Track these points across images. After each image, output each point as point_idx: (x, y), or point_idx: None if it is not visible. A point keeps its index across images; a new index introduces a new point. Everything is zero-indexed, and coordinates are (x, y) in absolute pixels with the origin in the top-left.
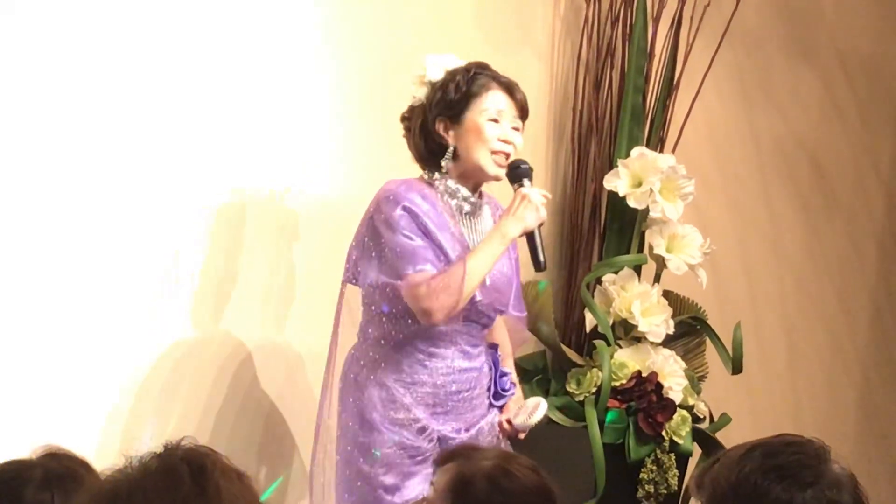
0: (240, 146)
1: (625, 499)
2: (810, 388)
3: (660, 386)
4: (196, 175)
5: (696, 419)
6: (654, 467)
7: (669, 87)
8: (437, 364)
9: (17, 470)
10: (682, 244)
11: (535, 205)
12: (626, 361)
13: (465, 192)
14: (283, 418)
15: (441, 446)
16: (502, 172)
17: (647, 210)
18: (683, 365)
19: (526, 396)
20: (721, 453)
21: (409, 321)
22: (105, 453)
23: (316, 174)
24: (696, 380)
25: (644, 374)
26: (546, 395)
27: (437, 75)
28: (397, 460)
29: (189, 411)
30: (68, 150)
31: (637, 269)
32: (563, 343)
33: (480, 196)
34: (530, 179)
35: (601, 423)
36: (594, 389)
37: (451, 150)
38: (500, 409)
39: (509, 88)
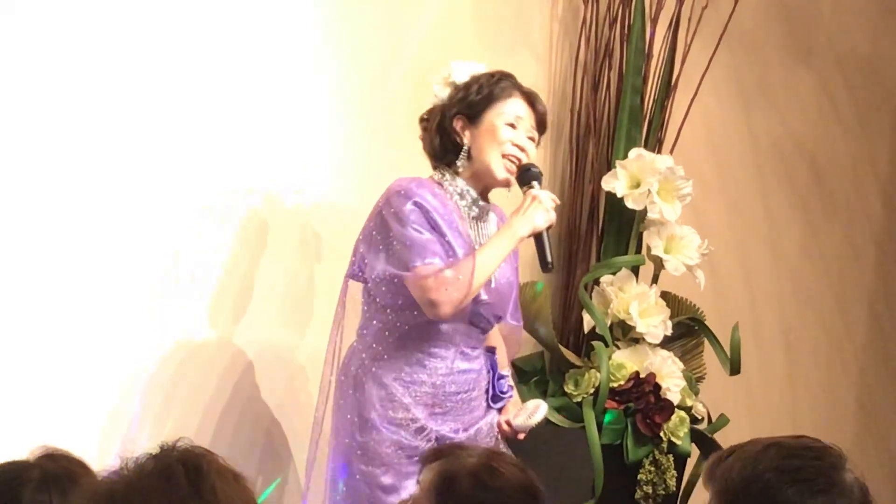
0: (240, 146)
1: (623, 500)
2: (808, 389)
3: (658, 387)
4: (196, 175)
5: (694, 420)
6: (653, 468)
7: (667, 88)
8: (437, 364)
9: (15, 471)
10: (679, 245)
11: (545, 206)
12: (624, 362)
13: (474, 194)
14: (284, 419)
15: None
16: (511, 178)
17: (645, 211)
18: (681, 366)
19: (524, 397)
20: (737, 445)
21: (415, 313)
22: (105, 454)
23: (316, 174)
24: (694, 381)
25: (642, 375)
26: (544, 396)
27: (463, 78)
28: (395, 460)
29: (189, 412)
30: (68, 151)
31: (635, 270)
32: (561, 344)
33: (488, 202)
34: (540, 182)
35: (599, 424)
36: (592, 390)
37: (465, 149)
38: (499, 411)
39: (531, 99)
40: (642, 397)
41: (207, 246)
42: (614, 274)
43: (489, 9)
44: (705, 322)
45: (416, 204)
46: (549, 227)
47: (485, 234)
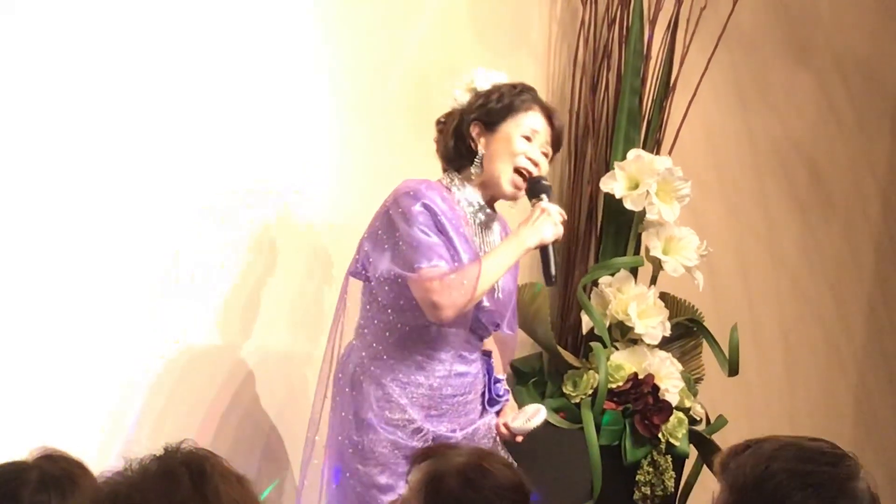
0: (240, 146)
1: (621, 500)
2: (806, 390)
3: (656, 388)
4: (196, 175)
5: (692, 421)
6: (651, 469)
7: (666, 89)
8: (435, 366)
9: (14, 472)
10: (678, 246)
11: (554, 220)
12: (623, 363)
13: (481, 201)
14: (285, 420)
15: None
16: (517, 194)
17: (643, 212)
18: (680, 367)
19: (522, 398)
20: (754, 440)
21: (416, 315)
22: (104, 454)
23: (316, 174)
24: (692, 382)
25: (640, 376)
26: (542, 397)
27: (484, 85)
28: (392, 460)
29: (189, 412)
30: (68, 151)
31: (633, 272)
32: (560, 345)
33: (494, 211)
34: (549, 196)
35: (598, 426)
36: (591, 391)
37: (480, 156)
38: (497, 413)
39: (549, 114)
40: (641, 398)
41: (207, 246)
42: (613, 275)
43: (488, 9)
44: (704, 323)
45: (424, 206)
46: (555, 241)
47: (488, 242)
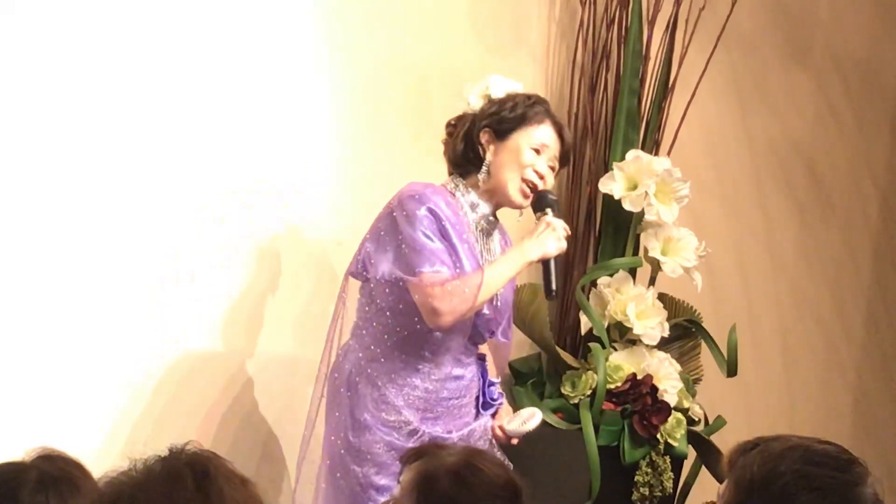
0: (239, 147)
1: (620, 501)
2: (805, 391)
3: (655, 388)
4: (195, 176)
5: (691, 422)
6: (649, 470)
7: (665, 89)
8: (431, 369)
9: (12, 472)
10: (677, 247)
11: (558, 234)
12: (621, 364)
13: (485, 209)
14: (284, 420)
15: None
16: (525, 203)
17: (642, 213)
18: (678, 367)
19: (520, 398)
20: (764, 438)
21: (415, 319)
22: (103, 454)
23: (316, 174)
24: (691, 382)
25: (639, 377)
26: (541, 397)
27: (499, 94)
28: (388, 461)
29: (188, 412)
30: (68, 151)
31: (632, 272)
32: (559, 346)
33: (497, 219)
34: (555, 210)
35: (596, 426)
36: (589, 392)
37: (487, 163)
38: (493, 415)
39: (560, 129)
40: (639, 399)
41: (208, 246)
42: (611, 276)
43: (487, 10)
44: (702, 324)
45: (429, 210)
46: (557, 256)
47: (489, 249)
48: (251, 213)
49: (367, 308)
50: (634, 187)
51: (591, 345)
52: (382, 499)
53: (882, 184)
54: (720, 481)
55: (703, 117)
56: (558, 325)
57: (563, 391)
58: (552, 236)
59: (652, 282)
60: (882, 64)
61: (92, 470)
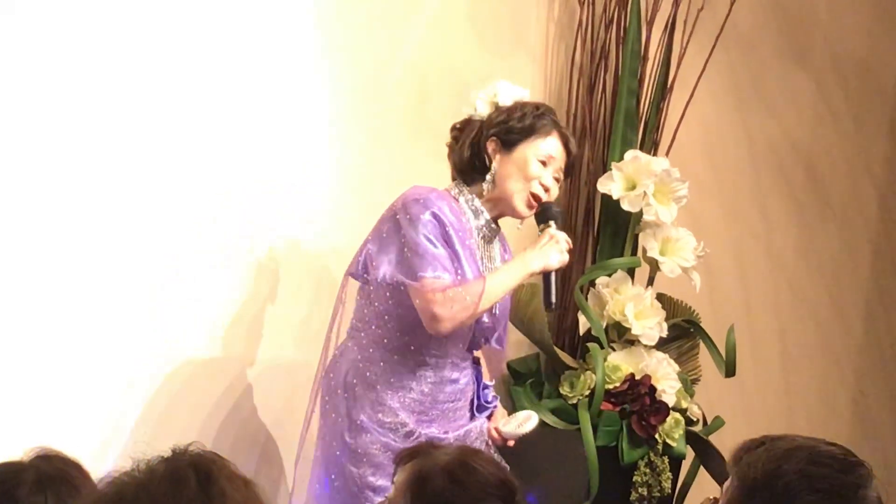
0: (239, 146)
1: (618, 501)
2: (803, 391)
3: (653, 389)
4: (195, 176)
5: (689, 422)
6: (648, 470)
7: (663, 90)
8: (427, 373)
9: (10, 472)
10: (675, 247)
11: (561, 247)
12: (620, 364)
13: (488, 216)
14: (284, 420)
15: None
16: (528, 214)
17: (640, 213)
18: (677, 368)
19: (519, 398)
20: (770, 436)
21: (415, 323)
22: (103, 455)
23: (316, 174)
24: (689, 383)
25: (637, 377)
26: (539, 397)
27: (506, 101)
28: (385, 462)
29: (188, 412)
30: (68, 151)
31: (630, 272)
32: (557, 346)
33: (499, 227)
34: (558, 222)
35: (594, 426)
36: (588, 392)
37: (493, 173)
38: (489, 418)
39: (567, 141)
40: (638, 399)
41: (208, 246)
42: (610, 276)
43: (485, 10)
44: (701, 324)
45: (433, 215)
46: (559, 269)
47: (490, 257)
48: (251, 213)
49: (366, 310)
50: (633, 187)
51: (590, 345)
52: (379, 499)
53: (881, 184)
54: (718, 481)
55: (701, 117)
56: (557, 325)
57: (561, 391)
58: (555, 249)
59: (650, 282)
60: (881, 64)
61: (91, 470)
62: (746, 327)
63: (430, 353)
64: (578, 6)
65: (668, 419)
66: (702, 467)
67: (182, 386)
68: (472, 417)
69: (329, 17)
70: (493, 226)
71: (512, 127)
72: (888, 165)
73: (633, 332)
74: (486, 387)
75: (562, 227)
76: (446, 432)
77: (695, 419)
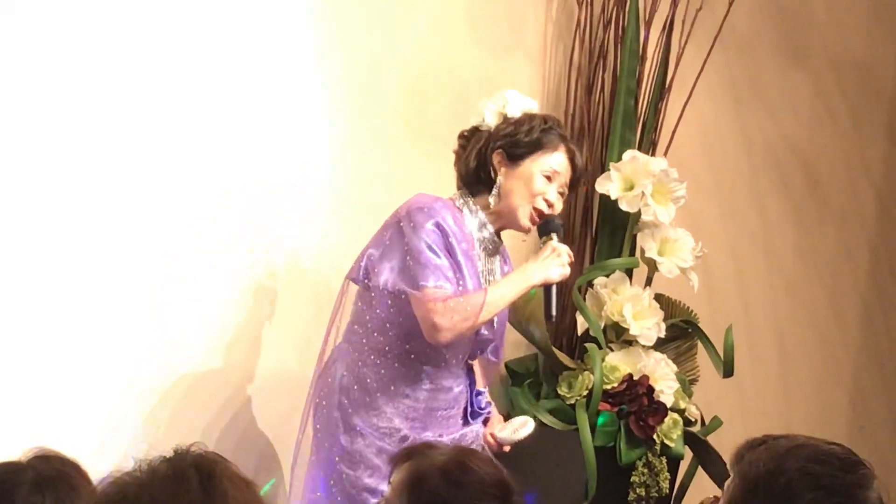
0: (239, 146)
1: (616, 502)
2: (801, 392)
3: (651, 389)
4: (195, 176)
5: (687, 422)
6: (646, 470)
7: (661, 90)
8: (425, 381)
9: (8, 472)
10: (673, 248)
11: (563, 261)
12: (618, 365)
13: (491, 229)
14: (284, 421)
15: None
16: (532, 228)
17: (638, 213)
18: (675, 368)
19: (517, 399)
20: (772, 435)
21: (416, 333)
22: (104, 455)
23: (316, 174)
24: (687, 383)
25: (635, 378)
26: (537, 398)
27: (515, 113)
28: (380, 465)
29: (190, 413)
30: (68, 151)
31: (629, 273)
32: (555, 346)
33: (501, 240)
34: (560, 236)
35: (592, 427)
36: (585, 393)
37: (498, 186)
38: (485, 423)
39: (573, 155)
40: (636, 399)
41: (207, 246)
42: (608, 276)
43: (484, 10)
44: (699, 324)
45: (436, 225)
46: (560, 282)
47: (490, 270)
48: (251, 214)
49: (367, 316)
50: (631, 188)
51: (588, 345)
52: (375, 501)
53: (878, 184)
54: (716, 481)
55: (699, 118)
56: (555, 325)
57: (559, 391)
58: (556, 262)
59: (648, 282)
60: (878, 65)
61: (91, 471)
62: (744, 328)
63: (430, 362)
64: (577, 6)
65: (667, 419)
66: (700, 468)
67: (182, 386)
68: (466, 424)
69: (328, 17)
70: (495, 239)
71: (518, 140)
72: (886, 166)
73: (632, 332)
74: (479, 393)
75: (564, 240)
76: (441, 436)
77: (693, 419)
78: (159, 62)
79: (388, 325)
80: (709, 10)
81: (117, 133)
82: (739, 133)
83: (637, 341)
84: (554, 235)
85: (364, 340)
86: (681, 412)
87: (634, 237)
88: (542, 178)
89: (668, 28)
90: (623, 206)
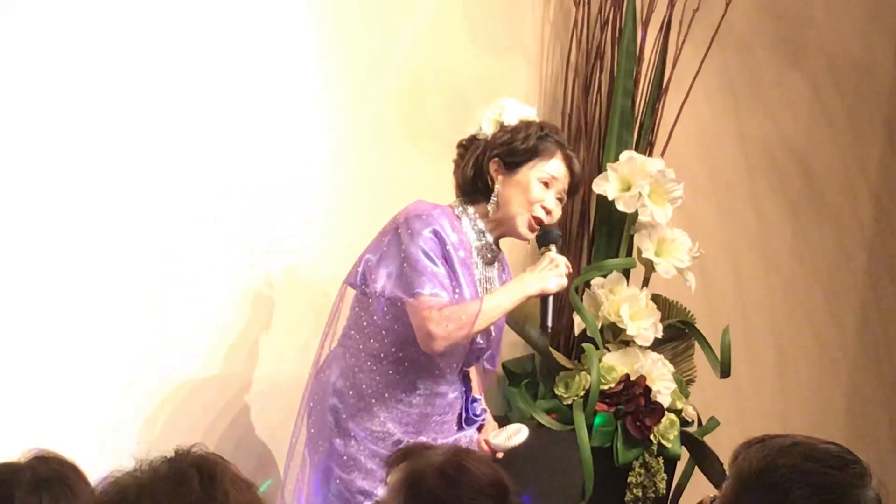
0: (239, 147)
1: (613, 502)
2: (798, 392)
3: (648, 389)
4: (195, 176)
5: (684, 423)
6: (643, 471)
7: (658, 90)
8: (420, 387)
9: (6, 473)
10: (670, 248)
11: (560, 272)
12: (615, 365)
13: (490, 238)
14: (283, 421)
15: None
16: (531, 237)
17: (635, 214)
18: (672, 368)
19: (514, 399)
20: (769, 435)
21: (412, 341)
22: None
23: (315, 174)
24: (684, 383)
25: (632, 378)
26: (534, 398)
27: (512, 121)
28: (374, 468)
29: (190, 413)
30: (68, 151)
31: (626, 273)
32: (552, 346)
33: (500, 248)
34: (558, 246)
35: (589, 427)
36: (582, 393)
37: (496, 194)
38: (479, 429)
39: (570, 161)
40: (632, 400)
41: (207, 246)
42: (605, 276)
43: (480, 11)
44: (696, 325)
45: (434, 232)
46: (557, 293)
47: (488, 278)
48: (251, 214)
49: (364, 322)
50: (628, 188)
51: (585, 346)
52: (368, 503)
53: (875, 185)
54: (713, 482)
55: (696, 118)
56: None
57: (556, 392)
58: (554, 273)
59: (645, 283)
60: (875, 65)
61: (91, 471)
62: (741, 328)
63: (425, 369)
64: (574, 6)
65: (663, 420)
66: (697, 468)
67: (181, 386)
68: (460, 430)
69: (327, 18)
70: (494, 248)
71: (515, 148)
72: (883, 166)
73: (629, 332)
74: (474, 400)
75: (562, 251)
76: (434, 440)
77: (690, 420)
78: (159, 63)
79: (383, 331)
80: (706, 11)
81: (117, 133)
82: (737, 133)
83: (634, 342)
84: (552, 246)
85: (360, 346)
86: (678, 413)
87: (631, 238)
88: (540, 186)
89: (666, 29)
90: (620, 207)
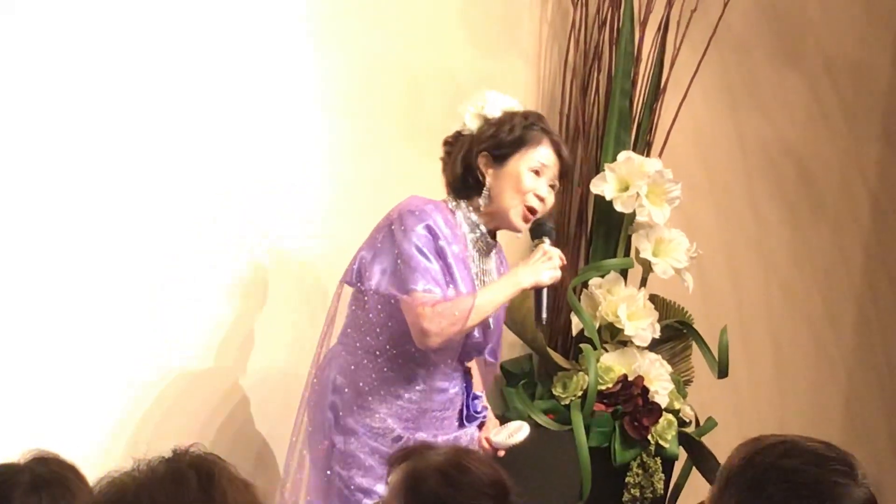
0: (238, 147)
1: (611, 502)
2: (796, 392)
3: (646, 390)
4: (194, 176)
5: (682, 423)
6: (640, 471)
7: (656, 91)
8: (417, 382)
9: (5, 473)
10: (668, 248)
11: (553, 264)
12: (613, 365)
13: (484, 230)
14: (283, 421)
15: None
16: (525, 227)
17: (633, 214)
18: (669, 369)
19: (512, 399)
20: (765, 436)
21: (407, 338)
22: (103, 456)
23: (315, 174)
24: (682, 384)
25: (630, 378)
26: (532, 398)
27: (495, 113)
28: (374, 465)
29: (190, 413)
30: (68, 151)
31: (623, 273)
32: (550, 347)
33: (495, 240)
34: (552, 239)
35: (587, 427)
36: (580, 393)
37: (487, 188)
38: (479, 427)
39: (558, 147)
40: (630, 400)
41: (207, 246)
42: (603, 277)
43: (478, 11)
44: (693, 325)
45: (427, 228)
46: (550, 285)
47: (484, 270)
48: (251, 214)
49: (361, 319)
50: (626, 188)
51: (583, 346)
52: (369, 501)
53: (873, 185)
54: (711, 482)
55: (694, 119)
56: (549, 326)
57: (554, 392)
58: (547, 265)
59: (643, 283)
60: (873, 66)
61: (90, 471)
62: (739, 328)
63: (421, 364)
64: (571, 7)
65: (661, 420)
66: (694, 468)
67: (182, 386)
68: (461, 427)
69: (325, 19)
70: (489, 239)
71: (502, 140)
72: (880, 166)
73: (626, 333)
74: (475, 397)
75: (555, 244)
76: (435, 436)
77: (687, 420)
78: (159, 63)
79: (378, 329)
80: (703, 11)
81: (117, 134)
82: (734, 134)
83: (632, 342)
84: (546, 239)
85: (357, 343)
86: (675, 413)
87: (629, 238)
88: (530, 175)
89: (663, 29)
90: (618, 207)
